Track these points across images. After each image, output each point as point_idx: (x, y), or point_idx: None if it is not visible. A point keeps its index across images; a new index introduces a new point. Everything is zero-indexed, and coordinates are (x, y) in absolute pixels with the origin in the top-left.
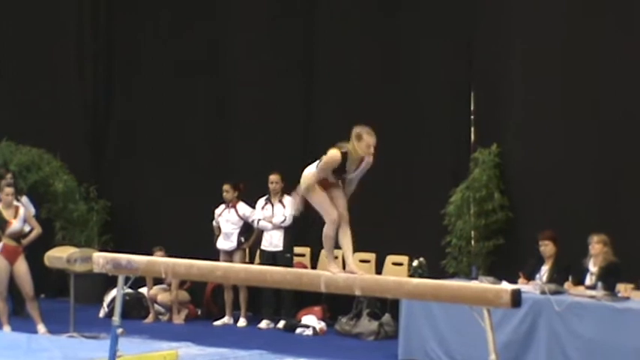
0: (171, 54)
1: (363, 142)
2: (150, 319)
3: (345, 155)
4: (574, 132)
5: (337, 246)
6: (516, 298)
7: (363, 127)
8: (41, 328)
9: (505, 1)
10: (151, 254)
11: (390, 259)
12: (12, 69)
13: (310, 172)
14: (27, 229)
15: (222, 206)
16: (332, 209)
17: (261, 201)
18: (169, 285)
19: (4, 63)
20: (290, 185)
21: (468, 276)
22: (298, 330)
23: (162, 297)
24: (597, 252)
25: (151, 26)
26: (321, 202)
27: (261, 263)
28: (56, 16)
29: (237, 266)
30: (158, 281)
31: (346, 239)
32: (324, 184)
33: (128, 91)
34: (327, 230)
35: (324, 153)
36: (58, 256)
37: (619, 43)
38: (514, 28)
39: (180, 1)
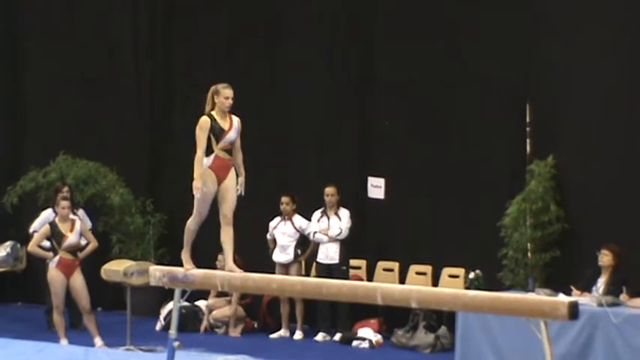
0: (228, 69)
1: (221, 96)
2: (203, 327)
3: (211, 116)
4: (631, 143)
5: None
6: (574, 311)
7: (219, 84)
8: (98, 341)
9: (563, 12)
10: (207, 267)
11: (447, 271)
12: (69, 83)
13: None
14: (83, 242)
15: (278, 219)
16: (205, 211)
17: (317, 213)
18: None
19: (62, 77)
20: (346, 198)
21: (525, 288)
22: (354, 343)
23: (219, 312)
24: None
25: (208, 42)
26: (202, 197)
27: (317, 276)
28: (114, 31)
29: (293, 279)
30: (221, 293)
31: (228, 240)
32: (219, 169)
33: (185, 105)
34: (190, 224)
35: (379, 165)
36: (115, 269)
37: None
38: (571, 39)
39: (238, 18)
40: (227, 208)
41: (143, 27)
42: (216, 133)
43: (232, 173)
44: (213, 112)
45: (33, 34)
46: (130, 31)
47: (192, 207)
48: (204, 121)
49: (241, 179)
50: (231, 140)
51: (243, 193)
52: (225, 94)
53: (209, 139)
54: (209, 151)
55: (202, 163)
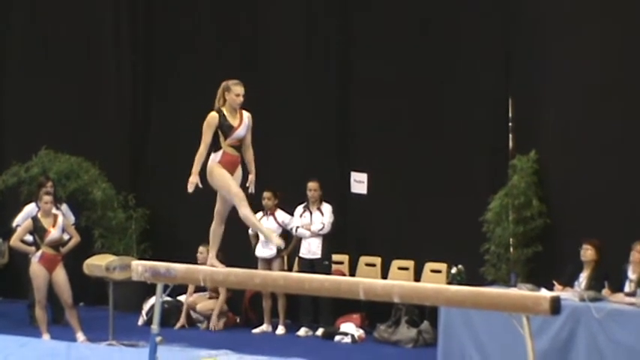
0: (209, 65)
1: (232, 93)
2: (179, 324)
3: (220, 112)
4: (613, 138)
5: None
6: (556, 306)
7: (229, 80)
8: (80, 336)
9: (543, 8)
10: (189, 262)
11: (429, 266)
12: (50, 78)
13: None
14: (66, 237)
15: (260, 214)
16: (234, 185)
17: (300, 208)
18: (214, 291)
19: (43, 72)
20: (328, 193)
21: (507, 283)
22: (337, 337)
23: (202, 306)
24: (638, 259)
25: (188, 36)
26: (222, 182)
27: (299, 271)
28: (94, 24)
29: (275, 274)
30: (200, 289)
31: (217, 236)
32: (227, 165)
33: (166, 99)
34: (243, 211)
35: (362, 160)
36: (97, 264)
37: None
38: (552, 35)
39: (219, 14)
40: (227, 208)
41: (124, 23)
42: (225, 129)
43: (239, 172)
44: (223, 108)
45: (13, 30)
46: (111, 28)
47: (174, 202)
48: (212, 117)
49: (252, 177)
50: (240, 137)
51: (253, 191)
52: (236, 91)
53: (217, 135)
54: (218, 147)
55: (203, 159)
